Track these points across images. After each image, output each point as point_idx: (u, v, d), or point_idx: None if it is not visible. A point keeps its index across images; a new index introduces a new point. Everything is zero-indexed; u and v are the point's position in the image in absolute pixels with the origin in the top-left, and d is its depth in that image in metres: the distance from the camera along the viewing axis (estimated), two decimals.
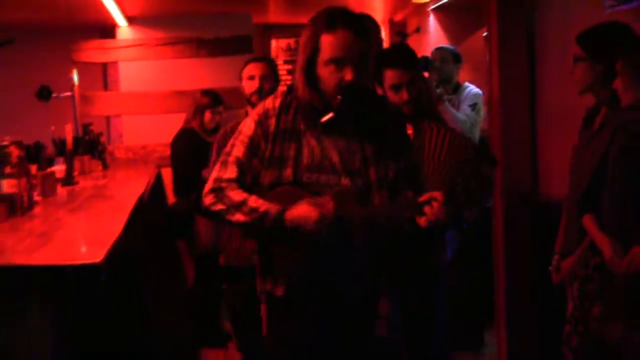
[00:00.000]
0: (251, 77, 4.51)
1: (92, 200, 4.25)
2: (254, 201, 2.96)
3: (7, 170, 3.25)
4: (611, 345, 3.43)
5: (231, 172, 3.06)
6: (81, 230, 3.20)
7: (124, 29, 7.91)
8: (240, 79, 4.60)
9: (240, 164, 3.05)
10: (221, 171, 3.07)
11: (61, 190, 4.40)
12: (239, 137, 3.09)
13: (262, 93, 4.43)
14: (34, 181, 3.73)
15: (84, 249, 2.68)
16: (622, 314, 3.37)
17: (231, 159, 3.07)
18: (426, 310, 3.79)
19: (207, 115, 6.10)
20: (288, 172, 2.98)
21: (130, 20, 7.81)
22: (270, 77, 4.57)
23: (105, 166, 6.28)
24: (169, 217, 6.10)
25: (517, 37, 4.92)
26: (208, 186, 3.08)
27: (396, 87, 3.98)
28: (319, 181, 2.97)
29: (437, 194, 2.80)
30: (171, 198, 6.12)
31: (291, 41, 8.63)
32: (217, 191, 3.05)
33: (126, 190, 4.63)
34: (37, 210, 3.53)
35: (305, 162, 2.99)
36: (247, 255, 4.27)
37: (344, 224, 2.90)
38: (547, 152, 4.80)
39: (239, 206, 2.98)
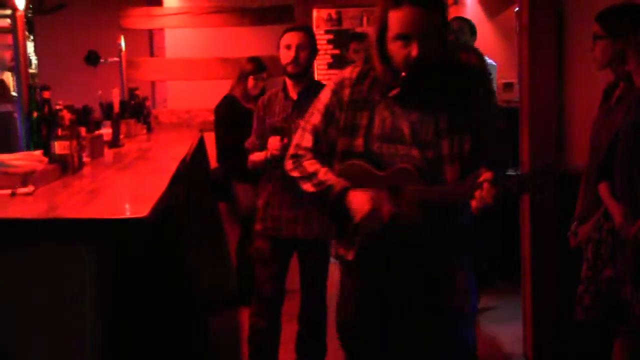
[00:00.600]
0: (288, 47, 4.50)
1: (138, 162, 4.40)
2: (323, 174, 3.10)
3: (59, 132, 3.38)
4: (620, 305, 3.62)
5: (308, 141, 3.19)
6: (127, 189, 3.36)
7: None
8: (278, 47, 4.59)
9: (316, 132, 3.18)
10: (300, 138, 3.22)
11: (108, 152, 4.52)
12: (317, 105, 3.20)
13: (297, 62, 4.47)
14: (83, 143, 3.85)
15: (130, 205, 2.85)
16: (631, 276, 3.54)
17: (309, 126, 3.20)
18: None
19: (250, 81, 6.20)
20: (359, 141, 3.05)
21: None
22: (307, 46, 4.54)
23: (149, 130, 6.37)
24: (211, 181, 6.30)
25: (546, 13, 5.02)
26: (290, 151, 3.25)
27: None
28: (389, 151, 3.02)
29: (488, 174, 2.77)
30: (213, 162, 6.31)
31: (332, 11, 8.72)
32: (296, 158, 3.21)
33: (170, 153, 4.73)
34: (86, 170, 3.66)
35: (376, 132, 3.03)
36: (283, 225, 4.55)
37: (401, 220, 2.95)
38: (574, 125, 4.92)
39: (310, 177, 3.14)
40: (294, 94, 4.54)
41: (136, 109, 6.06)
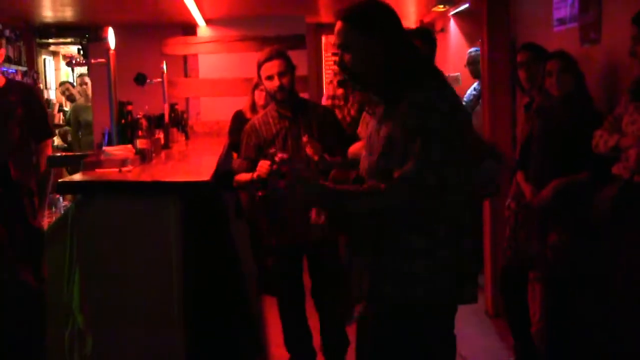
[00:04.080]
0: (269, 77, 4.62)
1: (187, 157, 5.48)
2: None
3: (140, 133, 4.47)
4: (531, 258, 4.71)
5: None
6: (190, 168, 4.45)
7: (202, 28, 9.15)
8: (259, 78, 4.74)
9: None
10: None
11: (162, 152, 5.40)
12: None
13: (283, 88, 4.62)
14: None
15: (197, 174, 3.85)
16: (536, 237, 4.62)
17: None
18: None
19: (256, 93, 6.61)
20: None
21: (208, 21, 9.04)
22: (287, 71, 4.63)
23: (187, 137, 7.23)
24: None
25: (502, 42, 6.14)
26: None
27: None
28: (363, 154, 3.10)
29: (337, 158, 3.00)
30: None
31: None
32: None
33: (207, 153, 5.60)
34: (154, 161, 4.61)
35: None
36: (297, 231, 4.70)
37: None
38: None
39: None
40: (287, 113, 4.73)
41: (177, 120, 6.95)
